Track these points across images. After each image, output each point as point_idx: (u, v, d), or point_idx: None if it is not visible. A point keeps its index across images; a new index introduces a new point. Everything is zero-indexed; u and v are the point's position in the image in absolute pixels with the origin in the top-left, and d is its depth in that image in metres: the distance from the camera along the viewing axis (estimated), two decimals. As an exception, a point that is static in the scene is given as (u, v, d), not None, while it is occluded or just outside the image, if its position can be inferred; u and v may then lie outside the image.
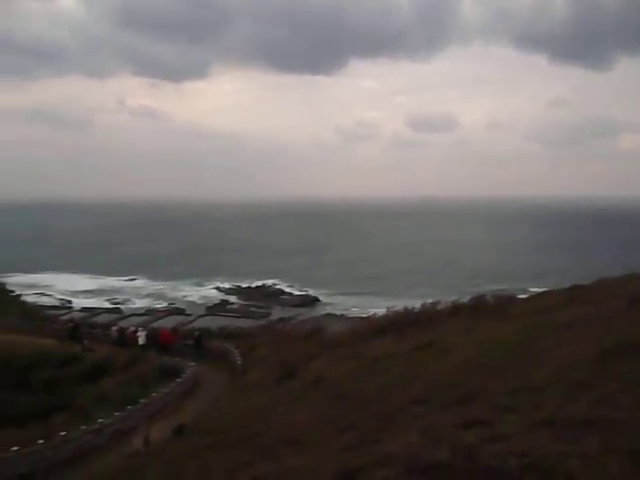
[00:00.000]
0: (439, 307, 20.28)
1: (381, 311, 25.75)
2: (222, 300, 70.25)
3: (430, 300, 21.77)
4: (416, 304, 22.10)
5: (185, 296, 75.27)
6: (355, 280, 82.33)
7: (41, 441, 13.35)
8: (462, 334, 14.10)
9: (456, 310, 19.24)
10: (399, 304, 25.33)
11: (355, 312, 59.41)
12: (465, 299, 20.50)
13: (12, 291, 45.90)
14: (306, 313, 60.71)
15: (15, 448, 12.46)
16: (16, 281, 66.27)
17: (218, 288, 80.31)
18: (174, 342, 26.04)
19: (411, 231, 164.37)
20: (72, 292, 75.96)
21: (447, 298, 21.41)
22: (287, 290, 77.74)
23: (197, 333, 26.90)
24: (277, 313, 61.04)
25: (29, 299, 53.36)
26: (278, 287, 79.77)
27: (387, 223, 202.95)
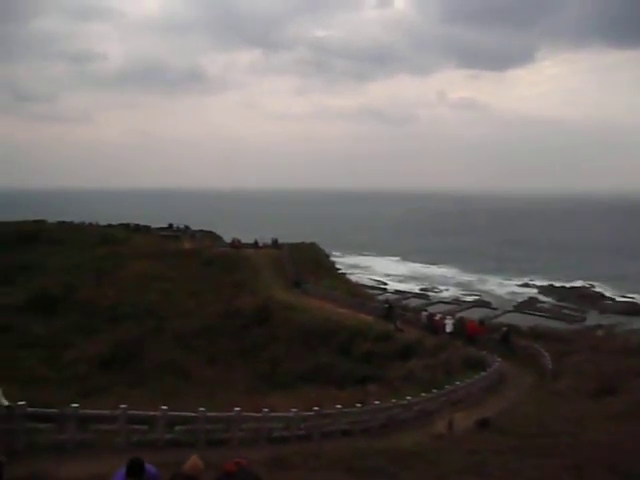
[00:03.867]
0: None
1: None
2: (531, 298, 66.73)
3: None
4: None
5: (492, 290, 73.97)
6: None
7: (358, 405, 15.03)
8: None
9: None
10: None
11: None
12: None
13: (339, 269, 52.30)
14: (630, 323, 53.17)
15: (339, 406, 14.32)
16: (341, 261, 75.15)
17: (527, 285, 76.57)
18: (481, 334, 25.92)
19: None
20: (387, 275, 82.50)
21: None
22: (607, 294, 69.34)
23: (505, 329, 26.28)
24: (593, 318, 54.95)
25: (352, 278, 60.00)
26: (596, 290, 71.77)
27: None
